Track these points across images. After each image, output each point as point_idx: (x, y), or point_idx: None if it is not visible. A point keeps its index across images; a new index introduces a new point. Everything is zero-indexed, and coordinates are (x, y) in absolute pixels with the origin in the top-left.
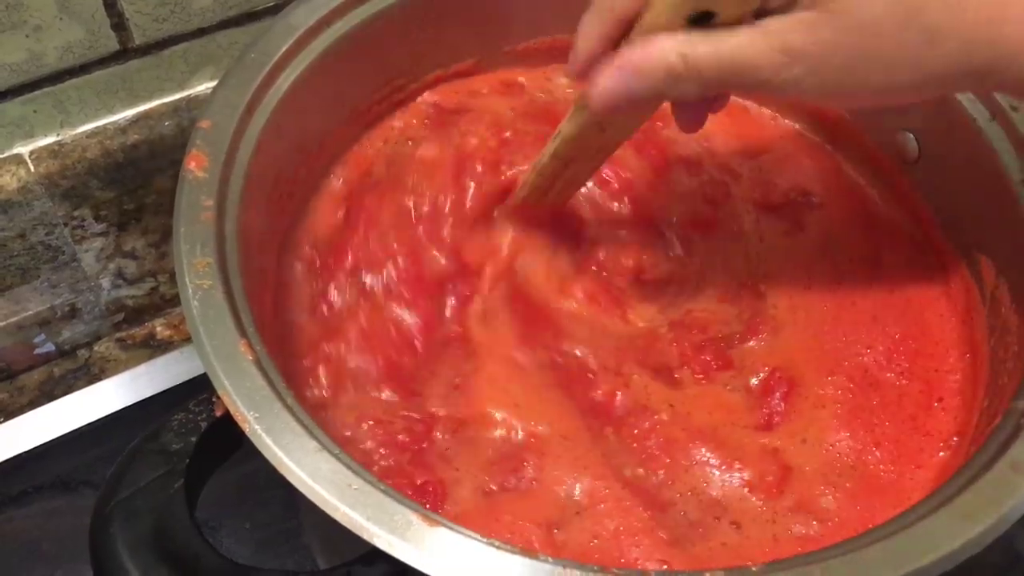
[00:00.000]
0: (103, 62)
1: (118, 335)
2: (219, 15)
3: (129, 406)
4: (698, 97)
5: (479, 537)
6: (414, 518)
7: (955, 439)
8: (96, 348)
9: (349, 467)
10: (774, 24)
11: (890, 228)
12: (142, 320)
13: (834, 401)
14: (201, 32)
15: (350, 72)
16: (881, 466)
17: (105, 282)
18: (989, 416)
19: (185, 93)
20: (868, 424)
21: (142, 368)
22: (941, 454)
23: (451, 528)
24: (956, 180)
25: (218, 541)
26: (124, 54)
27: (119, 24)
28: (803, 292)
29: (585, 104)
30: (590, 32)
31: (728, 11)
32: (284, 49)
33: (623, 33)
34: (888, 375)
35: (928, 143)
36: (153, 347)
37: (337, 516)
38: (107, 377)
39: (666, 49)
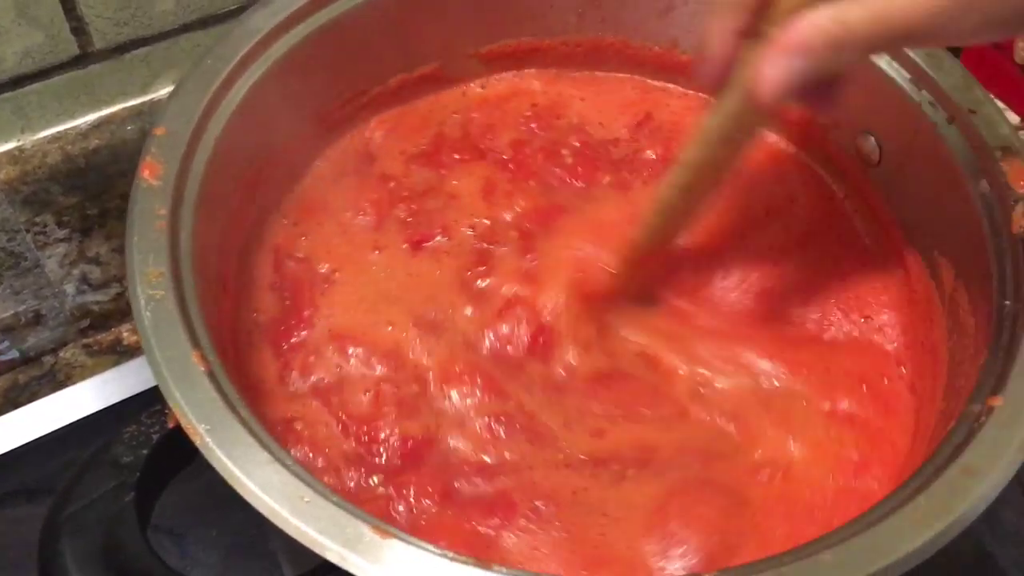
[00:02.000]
0: (63, 67)
1: (84, 341)
2: (181, 18)
3: (95, 412)
4: (853, 65)
5: (432, 548)
6: (366, 530)
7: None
8: (62, 354)
9: (302, 479)
10: None
11: (851, 229)
12: (108, 326)
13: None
14: (163, 36)
15: (311, 77)
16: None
17: (69, 288)
18: (946, 419)
19: (148, 97)
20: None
21: (108, 374)
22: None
23: (404, 540)
24: (916, 183)
25: (184, 549)
26: (85, 58)
27: (79, 28)
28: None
29: (719, 114)
30: (722, 31)
31: None
32: (242, 54)
33: (752, 27)
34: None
35: (889, 146)
36: (120, 353)
37: (288, 530)
38: (73, 383)
39: (822, 23)
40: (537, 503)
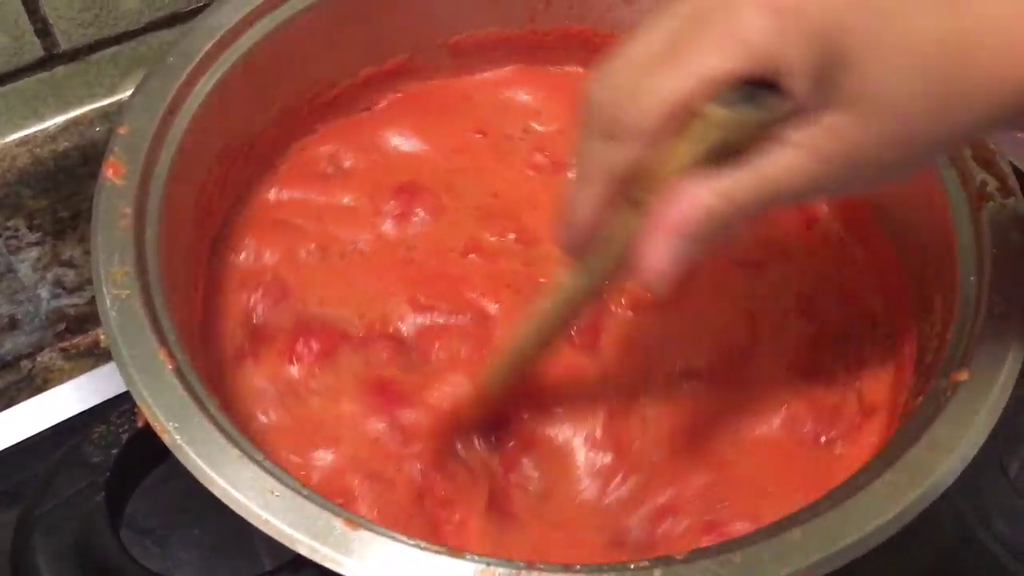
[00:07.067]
0: (29, 69)
1: (61, 345)
2: (147, 17)
3: (75, 415)
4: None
5: (404, 539)
6: (336, 523)
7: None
8: (39, 359)
9: (272, 473)
10: (804, 136)
11: (819, 215)
12: (85, 328)
13: None
14: (130, 35)
15: (277, 72)
16: None
17: (44, 292)
18: (915, 395)
19: (116, 97)
20: None
21: (86, 377)
22: None
23: (373, 531)
24: None
25: (167, 550)
26: (50, 60)
27: (43, 30)
28: None
29: (583, 277)
30: (587, 201)
31: (750, 138)
32: (205, 50)
33: (623, 193)
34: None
35: None
36: (97, 355)
37: (259, 524)
38: (51, 387)
39: (705, 198)
40: None
